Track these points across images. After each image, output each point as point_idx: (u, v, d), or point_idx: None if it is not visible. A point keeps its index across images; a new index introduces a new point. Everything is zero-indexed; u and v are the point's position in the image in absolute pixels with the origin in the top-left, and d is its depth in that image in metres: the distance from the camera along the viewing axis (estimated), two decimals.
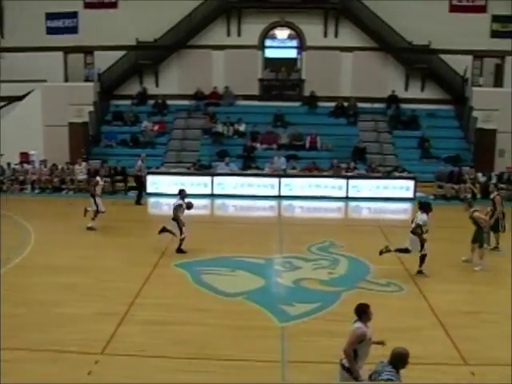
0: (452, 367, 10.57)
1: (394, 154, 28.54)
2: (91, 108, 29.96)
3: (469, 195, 24.68)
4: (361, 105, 30.46)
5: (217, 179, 25.02)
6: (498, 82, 31.79)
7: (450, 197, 24.96)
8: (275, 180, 25.05)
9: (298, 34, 31.32)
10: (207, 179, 25.03)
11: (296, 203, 24.15)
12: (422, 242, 15.38)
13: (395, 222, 22.11)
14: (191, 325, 11.93)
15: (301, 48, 31.50)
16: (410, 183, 25.03)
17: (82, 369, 9.94)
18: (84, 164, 26.73)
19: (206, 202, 23.94)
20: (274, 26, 31.34)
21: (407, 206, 24.26)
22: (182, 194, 17.25)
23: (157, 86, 31.51)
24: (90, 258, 16.35)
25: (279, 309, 12.84)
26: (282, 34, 31.71)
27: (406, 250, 15.63)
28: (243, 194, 24.61)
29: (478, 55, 31.27)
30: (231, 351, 10.77)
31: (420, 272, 15.58)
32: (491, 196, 18.56)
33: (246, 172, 25.79)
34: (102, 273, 15.08)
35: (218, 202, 24.42)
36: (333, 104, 30.50)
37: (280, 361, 10.52)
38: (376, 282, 14.80)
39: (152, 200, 24.70)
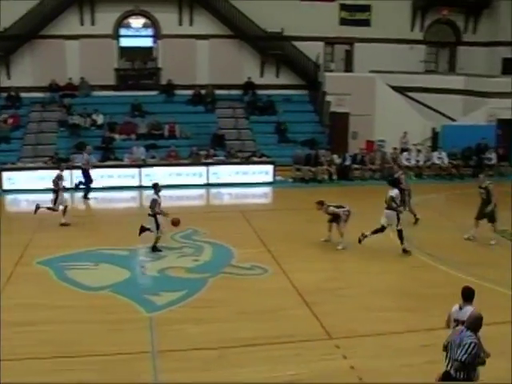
0: (318, 343, 10.97)
1: (252, 140, 29.02)
2: None
3: (326, 177, 25.67)
4: (218, 92, 30.69)
5: (76, 172, 24.37)
6: (349, 67, 33.11)
7: (308, 179, 25.68)
8: (135, 170, 24.78)
9: (153, 23, 31.06)
10: (66, 173, 24.26)
11: (145, 193, 23.82)
12: (399, 215, 16.03)
13: (256, 206, 22.58)
14: (58, 323, 11.59)
15: (156, 37, 31.26)
16: (269, 167, 25.56)
17: None
18: None
19: (65, 195, 23.26)
20: (128, 14, 30.89)
21: (267, 189, 24.81)
22: (156, 187, 16.67)
23: (9, 77, 30.12)
24: None
25: (146, 299, 12.77)
26: (136, 22, 31.34)
27: (381, 229, 16.14)
28: (104, 185, 24.12)
29: (329, 42, 32.50)
30: (100, 346, 10.59)
31: (405, 250, 16.21)
32: (395, 175, 19.35)
33: (105, 163, 25.29)
34: None
35: (79, 195, 23.83)
36: (190, 92, 30.53)
37: (150, 351, 10.50)
38: (240, 266, 15.04)
39: (9, 197, 23.61)
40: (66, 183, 21.25)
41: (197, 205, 23.16)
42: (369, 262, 15.70)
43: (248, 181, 25.02)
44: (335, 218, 16.61)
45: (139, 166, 24.86)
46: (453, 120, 30.90)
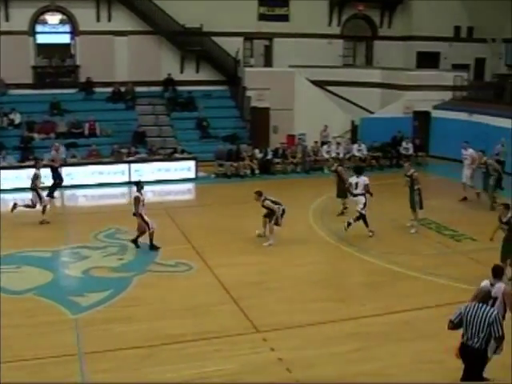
0: (246, 336, 11.12)
1: (173, 136, 28.87)
2: None
3: (248, 171, 25.82)
4: (138, 89, 30.36)
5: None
6: (268, 62, 33.36)
7: (231, 174, 25.76)
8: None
9: (70, 19, 30.41)
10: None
11: (80, 192, 23.45)
12: (365, 201, 17.07)
13: (180, 203, 22.51)
14: None
15: (74, 33, 30.63)
16: (191, 164, 25.49)
17: None
18: None
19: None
20: (44, 10, 30.07)
21: (190, 186, 24.76)
22: (138, 185, 16.51)
23: None
24: None
25: (71, 301, 12.61)
26: (53, 19, 30.60)
27: (361, 216, 17.16)
28: (23, 186, 23.42)
29: (248, 37, 32.63)
30: (27, 351, 10.39)
31: (371, 232, 17.17)
32: (332, 168, 20.12)
33: (25, 164, 24.55)
34: None
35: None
36: (110, 89, 30.08)
37: (76, 353, 10.39)
38: (165, 264, 15.04)
39: None
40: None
41: (120, 203, 22.81)
42: (294, 254, 15.94)
43: (170, 178, 24.87)
44: (270, 214, 16.68)
45: (60, 166, 24.28)
46: (371, 112, 31.58)
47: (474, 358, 8.47)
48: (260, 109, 29.90)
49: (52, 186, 22.33)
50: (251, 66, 32.00)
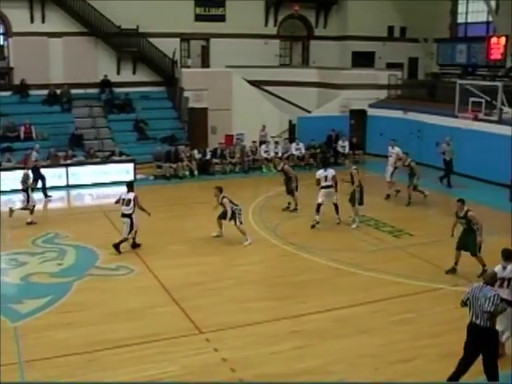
0: (189, 338, 11.16)
1: (111, 138, 28.59)
2: None
3: (187, 172, 25.78)
4: (74, 91, 29.91)
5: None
6: (205, 62, 33.38)
7: (170, 176, 25.65)
8: None
9: (2, 20, 29.77)
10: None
11: (17, 197, 23.00)
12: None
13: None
14: None
15: (7, 34, 29.99)
16: (130, 166, 25.28)
17: None
18: None
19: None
20: None
21: None
22: (131, 185, 16.52)
23: None
24: None
25: (9, 308, 12.39)
26: None
27: (319, 206, 18.12)
28: None
29: (185, 38, 32.58)
30: None
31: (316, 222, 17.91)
32: (278, 168, 20.46)
33: None
34: None
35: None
36: (45, 92, 29.61)
37: (17, 362, 10.23)
38: (106, 267, 14.94)
39: None
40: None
41: (58, 207, 22.50)
42: (235, 254, 16.06)
43: (109, 180, 24.62)
44: (224, 215, 16.78)
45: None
46: (308, 112, 31.93)
47: (479, 336, 9.12)
48: (198, 109, 29.86)
49: (43, 186, 22.61)
50: (188, 67, 31.96)
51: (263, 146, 28.05)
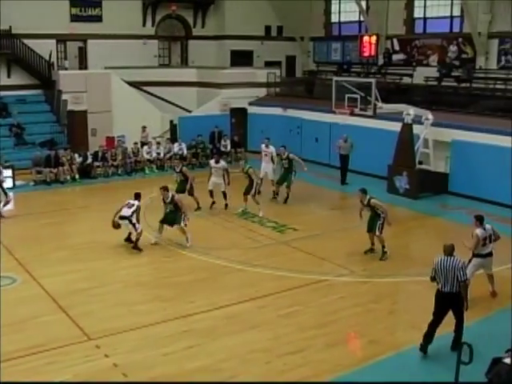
0: (78, 346, 11.01)
1: None
2: None
3: (68, 177, 25.23)
4: None
5: None
6: (83, 64, 32.78)
7: (50, 181, 25.01)
8: None
9: None
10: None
11: None
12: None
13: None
14: None
15: None
16: (8, 172, 24.49)
17: None
18: None
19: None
20: None
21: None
22: (139, 197, 16.66)
23: None
24: None
25: None
26: None
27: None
28: None
29: (61, 39, 31.84)
30: None
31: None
32: (177, 170, 20.48)
33: None
34: None
35: None
36: None
37: None
38: None
39: None
40: None
41: None
42: (119, 257, 15.94)
43: None
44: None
45: None
46: (189, 111, 32.03)
47: (452, 301, 10.34)
48: (77, 112, 29.30)
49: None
50: (66, 69, 31.25)
51: (145, 147, 27.87)
